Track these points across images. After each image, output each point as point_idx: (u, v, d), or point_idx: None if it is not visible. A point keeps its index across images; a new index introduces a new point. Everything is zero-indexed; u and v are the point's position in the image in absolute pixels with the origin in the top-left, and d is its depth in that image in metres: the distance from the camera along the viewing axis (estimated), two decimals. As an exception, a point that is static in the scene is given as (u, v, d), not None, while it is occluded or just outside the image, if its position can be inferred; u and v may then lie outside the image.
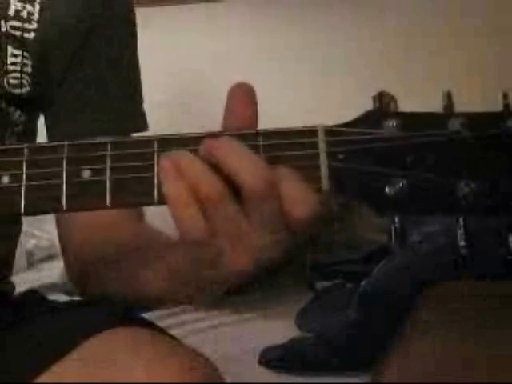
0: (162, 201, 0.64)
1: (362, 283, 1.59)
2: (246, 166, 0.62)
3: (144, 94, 1.02)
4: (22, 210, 0.66)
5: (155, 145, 0.65)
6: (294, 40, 2.15)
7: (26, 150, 0.67)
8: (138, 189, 0.65)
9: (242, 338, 1.56)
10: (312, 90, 2.10)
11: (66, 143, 0.66)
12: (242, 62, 2.06)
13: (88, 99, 0.96)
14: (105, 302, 0.87)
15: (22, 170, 0.66)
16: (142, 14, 1.04)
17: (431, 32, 2.06)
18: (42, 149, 0.67)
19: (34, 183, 0.66)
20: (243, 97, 0.65)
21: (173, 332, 0.89)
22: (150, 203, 0.65)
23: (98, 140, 0.66)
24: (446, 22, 2.06)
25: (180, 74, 2.09)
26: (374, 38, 2.08)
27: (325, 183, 0.63)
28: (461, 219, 0.62)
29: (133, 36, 1.01)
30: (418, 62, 2.01)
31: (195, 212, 0.63)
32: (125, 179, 0.65)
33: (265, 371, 1.45)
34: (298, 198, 0.62)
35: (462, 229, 0.62)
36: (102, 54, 0.97)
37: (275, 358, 1.48)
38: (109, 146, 0.66)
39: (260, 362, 1.47)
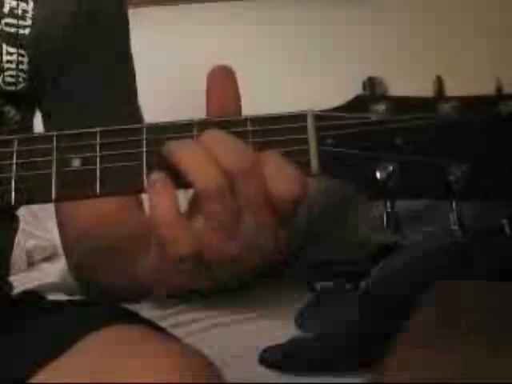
0: None
1: (362, 283, 1.59)
2: (229, 150, 0.62)
3: (143, 92, 1.02)
4: (13, 201, 0.66)
5: (144, 133, 0.65)
6: (293, 38, 2.15)
7: (15, 141, 0.67)
8: (127, 177, 0.65)
9: (242, 338, 1.55)
10: (309, 80, 2.10)
11: (54, 133, 0.66)
12: (242, 61, 2.06)
13: (83, 96, 0.96)
14: (103, 301, 0.87)
15: (12, 160, 0.66)
16: (141, 14, 1.04)
17: (431, 29, 2.06)
18: (31, 139, 0.67)
19: (23, 173, 0.66)
20: (222, 79, 0.65)
21: (173, 332, 0.89)
22: (140, 191, 0.65)
23: (86, 129, 0.66)
24: (444, 18, 2.07)
25: (179, 73, 2.09)
26: (375, 35, 2.09)
27: (314, 168, 0.62)
28: (454, 203, 0.61)
29: (127, 33, 1.02)
30: (418, 61, 2.01)
31: (181, 229, 0.62)
32: (114, 167, 0.65)
33: (265, 371, 1.44)
34: (282, 178, 0.61)
35: (454, 213, 0.61)
36: (98, 51, 0.97)
37: (275, 358, 1.47)
38: (98, 135, 0.66)
39: (260, 362, 1.46)
